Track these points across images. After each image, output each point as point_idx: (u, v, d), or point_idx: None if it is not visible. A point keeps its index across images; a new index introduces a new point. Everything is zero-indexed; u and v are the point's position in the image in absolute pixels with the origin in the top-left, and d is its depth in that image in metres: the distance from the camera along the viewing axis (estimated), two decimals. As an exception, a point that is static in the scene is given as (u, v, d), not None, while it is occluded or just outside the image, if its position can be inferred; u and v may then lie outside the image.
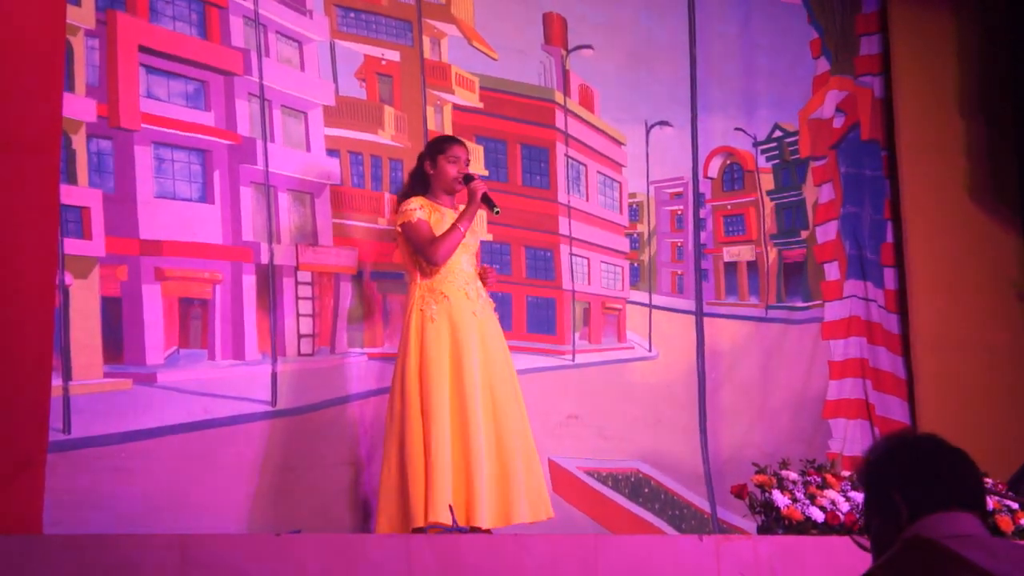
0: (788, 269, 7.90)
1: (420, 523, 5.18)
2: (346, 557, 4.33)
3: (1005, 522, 5.77)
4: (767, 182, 7.90)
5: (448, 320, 5.44)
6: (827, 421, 7.79)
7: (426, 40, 6.65)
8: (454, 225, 5.47)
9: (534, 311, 6.83)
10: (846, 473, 5.94)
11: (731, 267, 7.70)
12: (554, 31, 7.18)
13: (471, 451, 5.28)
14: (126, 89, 5.49)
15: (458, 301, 5.48)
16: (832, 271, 8.02)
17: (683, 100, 7.63)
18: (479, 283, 5.61)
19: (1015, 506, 5.89)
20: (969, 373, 7.81)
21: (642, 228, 7.42)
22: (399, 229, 5.53)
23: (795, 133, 8.00)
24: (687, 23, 7.70)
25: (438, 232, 5.49)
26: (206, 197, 5.72)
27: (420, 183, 5.67)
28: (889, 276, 8.15)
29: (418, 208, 5.51)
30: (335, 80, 6.26)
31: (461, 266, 5.55)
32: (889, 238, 8.21)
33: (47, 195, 4.60)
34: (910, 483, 2.52)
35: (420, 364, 5.39)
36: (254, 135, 5.90)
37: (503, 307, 6.63)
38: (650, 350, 7.28)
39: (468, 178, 5.59)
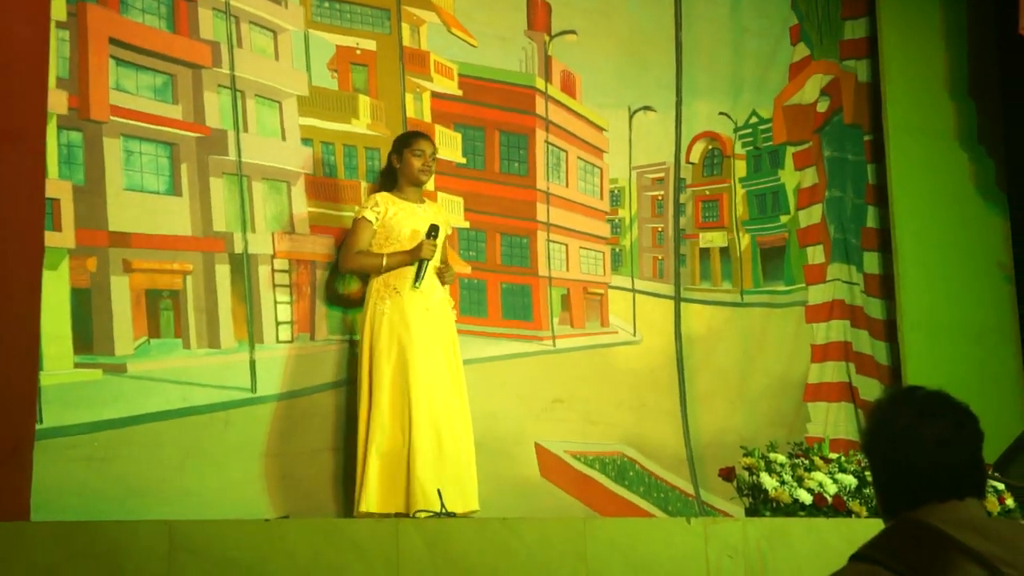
0: (766, 254, 7.91)
1: (361, 508, 5.40)
2: (335, 542, 4.33)
3: (991, 503, 5.80)
4: (740, 168, 7.90)
5: (398, 314, 5.61)
6: (807, 405, 7.81)
7: (405, 27, 6.62)
8: (381, 256, 5.68)
9: (509, 298, 6.83)
10: (833, 456, 5.96)
11: (705, 253, 7.71)
12: (538, 16, 7.17)
13: (412, 440, 5.44)
14: (96, 81, 5.49)
15: (410, 296, 5.61)
16: (816, 255, 8.03)
17: (668, 85, 7.63)
18: (436, 279, 5.77)
19: (1000, 487, 5.93)
20: (957, 355, 7.84)
21: (624, 213, 7.41)
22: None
23: (769, 120, 8.00)
24: (673, 7, 7.69)
25: (392, 226, 5.71)
26: (174, 190, 5.72)
27: (389, 177, 5.91)
28: (870, 260, 8.17)
29: (371, 207, 5.75)
30: (308, 70, 6.23)
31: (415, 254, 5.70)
32: (869, 223, 8.23)
33: (34, 186, 4.62)
34: (900, 471, 2.51)
35: (369, 356, 5.59)
36: (225, 126, 5.90)
37: (478, 294, 6.64)
38: (634, 334, 7.28)
39: (432, 232, 5.71)
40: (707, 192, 7.78)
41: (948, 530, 2.38)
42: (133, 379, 5.42)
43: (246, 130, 5.96)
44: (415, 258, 5.67)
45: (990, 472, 6.00)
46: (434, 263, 5.75)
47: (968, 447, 2.51)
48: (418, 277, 5.67)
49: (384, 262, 5.67)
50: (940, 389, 2.57)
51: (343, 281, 6.03)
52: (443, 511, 5.18)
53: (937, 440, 2.48)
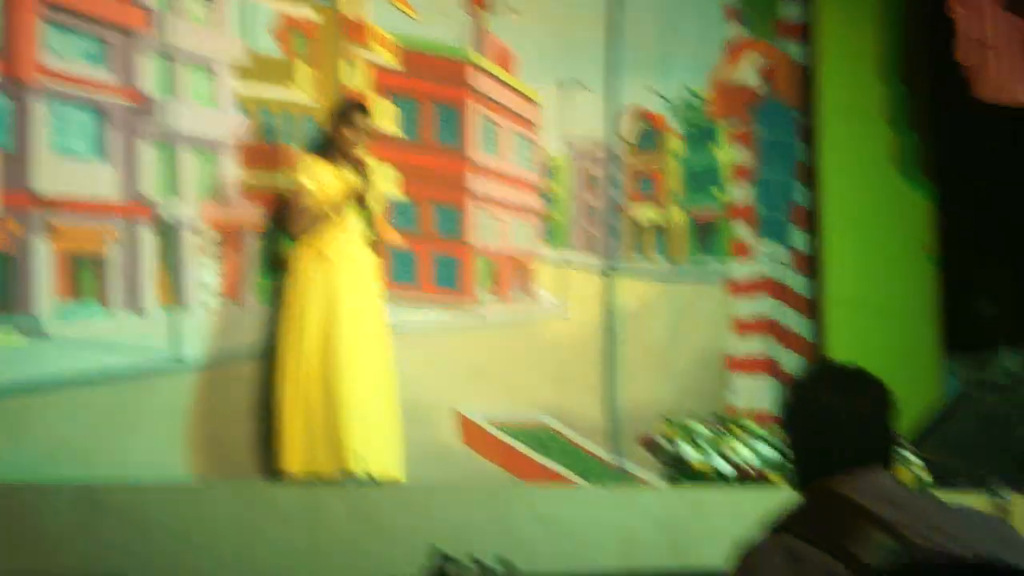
0: (699, 229, 7.98)
1: (283, 470, 5.47)
2: (256, 506, 4.34)
3: (907, 476, 5.90)
4: (675, 145, 7.96)
5: (326, 280, 5.67)
6: (729, 377, 7.89)
7: (345, -3, 6.62)
8: (325, 211, 5.70)
9: (440, 268, 6.86)
10: (754, 427, 6.03)
11: (640, 227, 7.76)
12: (475, -10, 7.17)
13: (337, 405, 5.49)
14: (25, 43, 5.45)
15: (338, 260, 5.67)
16: (744, 231, 8.10)
17: (601, 60, 7.64)
18: (366, 248, 5.84)
19: (917, 461, 6.04)
20: (879, 333, 7.92)
21: (557, 188, 7.45)
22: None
23: (704, 98, 8.06)
24: (608, -17, 7.72)
25: (327, 194, 5.71)
26: (102, 155, 5.70)
27: (324, 146, 5.95)
28: (797, 238, 8.26)
29: (307, 174, 5.78)
30: (247, 37, 6.22)
31: (347, 224, 5.76)
32: (799, 201, 8.31)
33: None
34: (813, 441, 2.57)
35: (295, 321, 5.64)
36: (158, 92, 5.88)
37: (408, 263, 6.65)
38: (560, 308, 7.32)
39: (360, 167, 5.77)
40: (641, 168, 7.84)
41: (859, 500, 2.43)
42: (55, 343, 5.41)
43: (178, 97, 5.95)
44: (354, 193, 5.74)
45: (909, 447, 6.11)
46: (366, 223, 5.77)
47: (881, 421, 2.56)
48: (362, 207, 5.74)
49: (328, 210, 5.70)
50: (857, 365, 2.63)
51: (284, 247, 6.02)
52: (366, 477, 5.22)
53: (852, 414, 2.53)
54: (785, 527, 2.42)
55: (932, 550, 2.37)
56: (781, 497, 2.55)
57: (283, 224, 5.82)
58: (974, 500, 3.67)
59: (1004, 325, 8.24)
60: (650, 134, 7.88)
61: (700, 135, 8.07)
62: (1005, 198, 8.24)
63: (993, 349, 8.22)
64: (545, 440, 6.99)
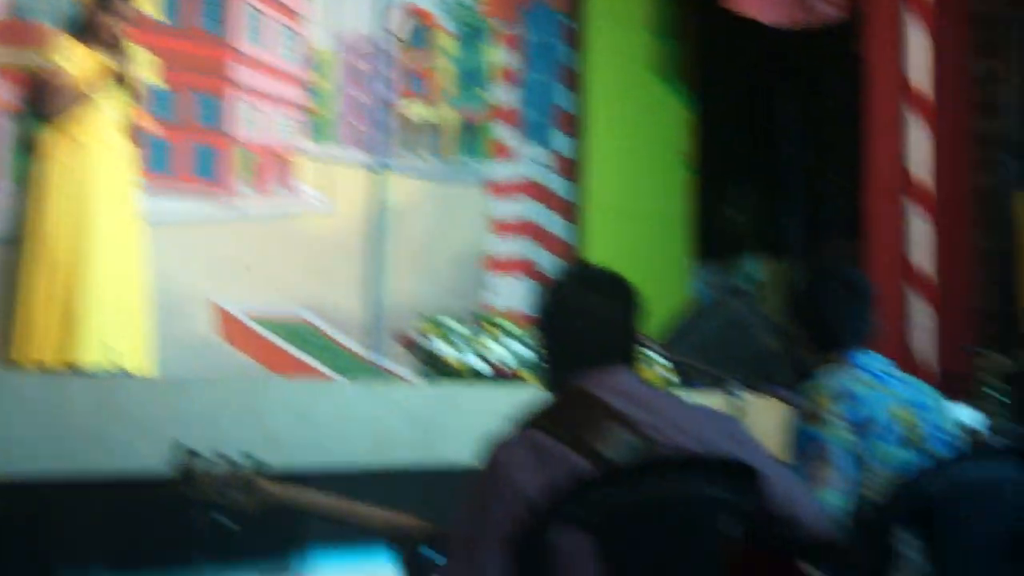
0: (467, 129, 8.03)
1: (26, 359, 5.35)
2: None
3: (655, 378, 6.11)
4: (446, 43, 7.96)
5: (79, 166, 5.53)
6: (488, 276, 8.01)
7: None
8: (81, 92, 5.54)
9: (198, 159, 6.73)
10: (509, 326, 6.14)
11: (410, 124, 7.75)
12: None
13: (85, 292, 5.39)
14: None
15: (92, 146, 5.58)
16: (507, 133, 8.18)
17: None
18: (120, 129, 5.70)
19: (665, 363, 6.25)
20: (638, 239, 8.15)
21: (323, 81, 7.36)
22: None
23: (477, -3, 8.09)
24: None
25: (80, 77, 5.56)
26: None
27: (82, 26, 5.72)
28: (560, 142, 8.39)
29: (65, 56, 5.57)
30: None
31: (103, 110, 5.62)
32: (563, 105, 8.43)
33: None
34: (564, 341, 2.65)
35: (44, 203, 5.48)
36: None
37: (165, 153, 6.51)
38: (323, 203, 7.28)
39: (119, 53, 5.66)
40: (411, 65, 7.81)
41: (603, 397, 2.52)
42: None
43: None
44: (111, 77, 5.62)
45: (657, 349, 6.31)
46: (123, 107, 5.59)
47: (628, 323, 2.66)
48: (120, 92, 5.63)
49: (84, 93, 5.56)
50: (609, 268, 2.71)
51: (36, 129, 5.81)
52: (113, 368, 5.16)
53: (600, 316, 2.62)
54: (533, 423, 2.51)
55: (669, 445, 2.48)
56: (532, 394, 2.62)
57: (36, 105, 5.60)
58: (714, 400, 3.82)
59: (750, 233, 8.60)
60: (421, 31, 7.85)
61: (471, 35, 8.09)
62: (758, 110, 8.53)
63: (739, 256, 8.58)
64: (303, 335, 6.99)
